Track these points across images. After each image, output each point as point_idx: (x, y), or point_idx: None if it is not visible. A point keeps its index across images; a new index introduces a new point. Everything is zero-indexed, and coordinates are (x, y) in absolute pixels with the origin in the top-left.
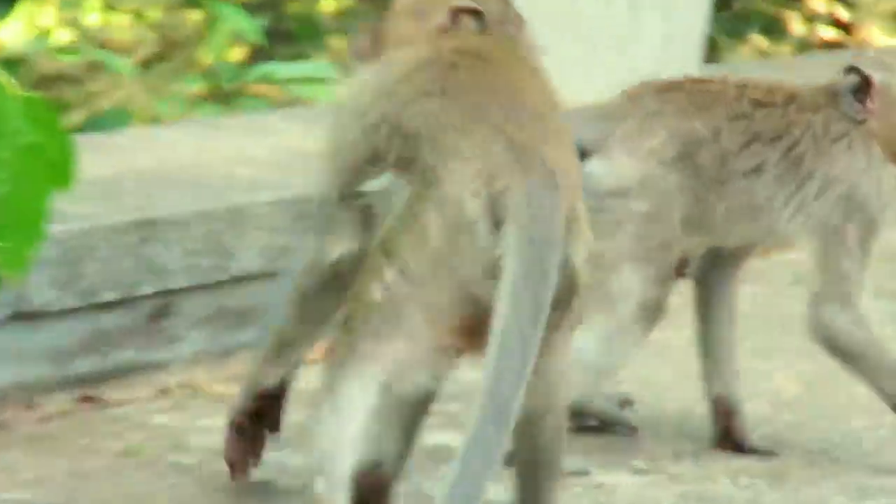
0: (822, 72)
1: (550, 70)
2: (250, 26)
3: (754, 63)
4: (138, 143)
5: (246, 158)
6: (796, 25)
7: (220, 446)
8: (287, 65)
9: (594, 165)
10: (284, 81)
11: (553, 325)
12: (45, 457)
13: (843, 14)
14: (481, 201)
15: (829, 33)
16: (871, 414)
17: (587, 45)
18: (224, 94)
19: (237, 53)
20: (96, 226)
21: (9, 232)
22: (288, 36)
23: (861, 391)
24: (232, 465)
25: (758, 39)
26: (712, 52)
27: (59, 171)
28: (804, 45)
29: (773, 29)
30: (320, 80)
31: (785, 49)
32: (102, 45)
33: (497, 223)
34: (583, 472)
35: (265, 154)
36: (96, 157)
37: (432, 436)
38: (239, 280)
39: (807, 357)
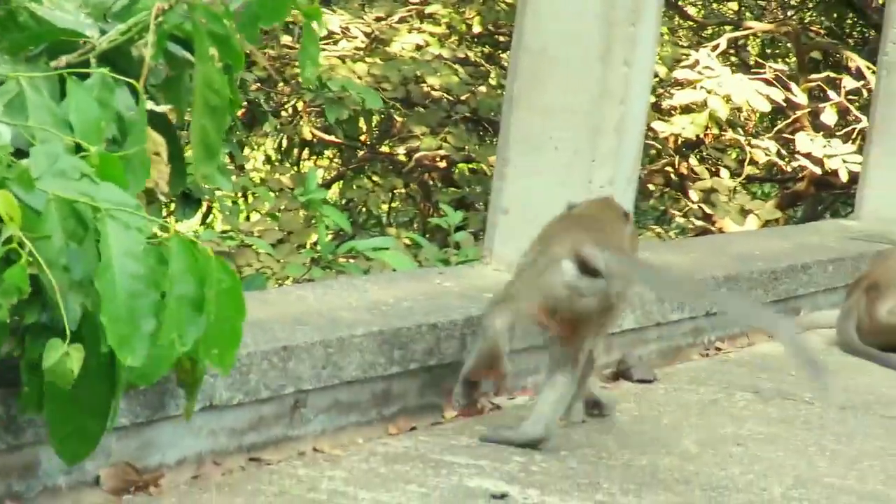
0: (697, 249)
1: None
2: (342, 219)
3: (653, 244)
4: (278, 296)
5: (346, 306)
6: (678, 218)
7: None
8: (363, 241)
9: None
10: (365, 250)
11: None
12: None
13: (708, 210)
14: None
15: (699, 223)
16: (742, 465)
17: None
18: (326, 263)
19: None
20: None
21: (218, 343)
22: (359, 224)
23: (738, 450)
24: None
25: (654, 227)
26: None
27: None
28: (683, 231)
29: (664, 220)
30: (385, 249)
31: (672, 234)
32: (248, 234)
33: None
34: None
35: (359, 303)
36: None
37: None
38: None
39: (697, 430)
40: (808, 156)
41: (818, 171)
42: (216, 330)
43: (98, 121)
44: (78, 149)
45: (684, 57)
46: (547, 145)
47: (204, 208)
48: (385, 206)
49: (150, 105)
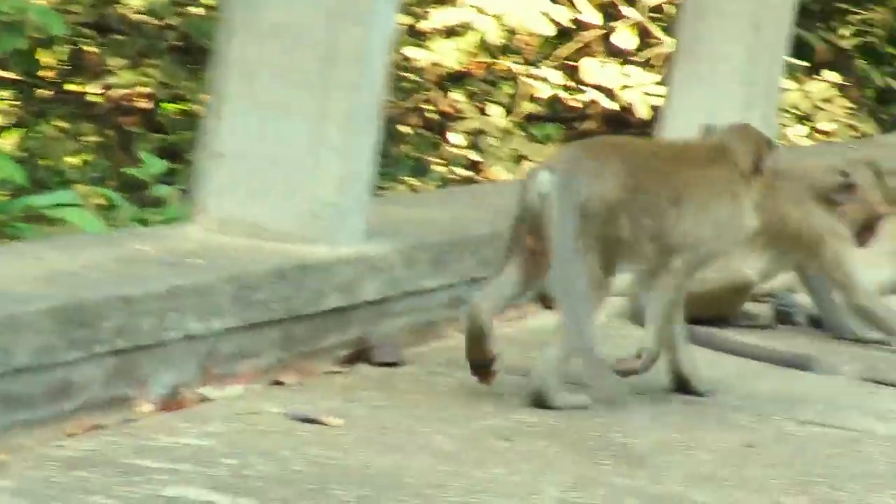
0: (458, 202)
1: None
2: (17, 171)
3: (408, 197)
4: None
5: (18, 277)
6: (439, 167)
7: None
8: (41, 197)
9: None
10: (44, 208)
11: None
12: None
13: (476, 157)
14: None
15: (464, 172)
16: (510, 464)
17: (266, 180)
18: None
19: None
20: None
21: None
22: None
23: (505, 446)
24: None
25: (409, 180)
26: (374, 190)
27: None
28: (445, 183)
29: (421, 171)
30: (70, 206)
31: (430, 186)
32: None
33: None
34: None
35: (35, 273)
36: None
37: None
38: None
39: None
40: (598, 87)
41: (611, 105)
42: None
43: None
44: None
45: None
46: (271, 75)
47: None
48: (73, 159)
49: None
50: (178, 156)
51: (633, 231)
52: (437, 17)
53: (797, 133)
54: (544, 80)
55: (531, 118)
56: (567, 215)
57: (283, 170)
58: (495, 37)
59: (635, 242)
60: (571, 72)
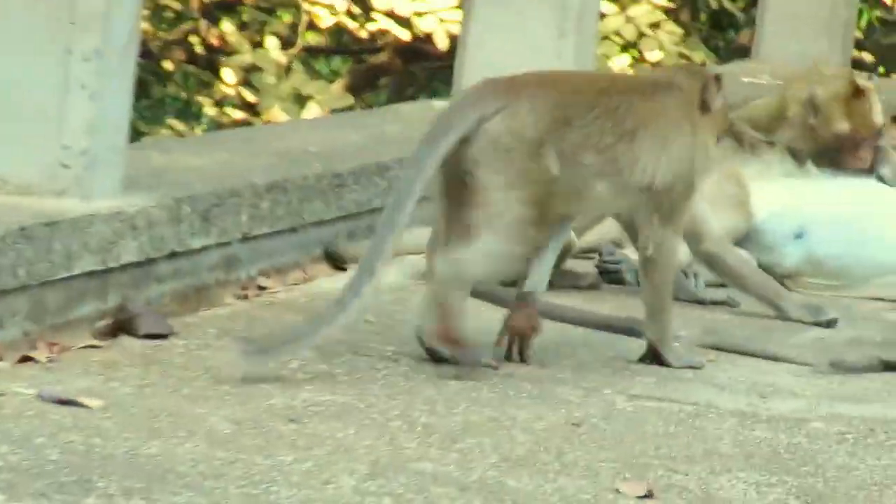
0: (231, 147)
1: None
2: None
3: (172, 143)
4: None
5: None
6: (209, 109)
7: None
8: None
9: None
10: None
11: None
12: None
13: (251, 97)
14: None
15: (238, 114)
16: (297, 449)
17: (4, 126)
18: None
19: None
20: None
21: None
22: None
23: (291, 428)
24: None
25: (175, 123)
26: (135, 136)
27: None
28: (217, 126)
29: (188, 113)
30: None
31: (199, 130)
32: None
33: None
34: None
35: None
36: None
37: None
38: None
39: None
40: (389, 15)
41: (405, 36)
42: None
43: None
44: None
45: None
46: (6, 4)
47: None
48: None
49: None
50: None
51: (569, 169)
52: None
53: (620, 63)
54: (329, 7)
55: (313, 51)
56: (425, 152)
57: (23, 114)
58: None
59: (575, 181)
60: None
